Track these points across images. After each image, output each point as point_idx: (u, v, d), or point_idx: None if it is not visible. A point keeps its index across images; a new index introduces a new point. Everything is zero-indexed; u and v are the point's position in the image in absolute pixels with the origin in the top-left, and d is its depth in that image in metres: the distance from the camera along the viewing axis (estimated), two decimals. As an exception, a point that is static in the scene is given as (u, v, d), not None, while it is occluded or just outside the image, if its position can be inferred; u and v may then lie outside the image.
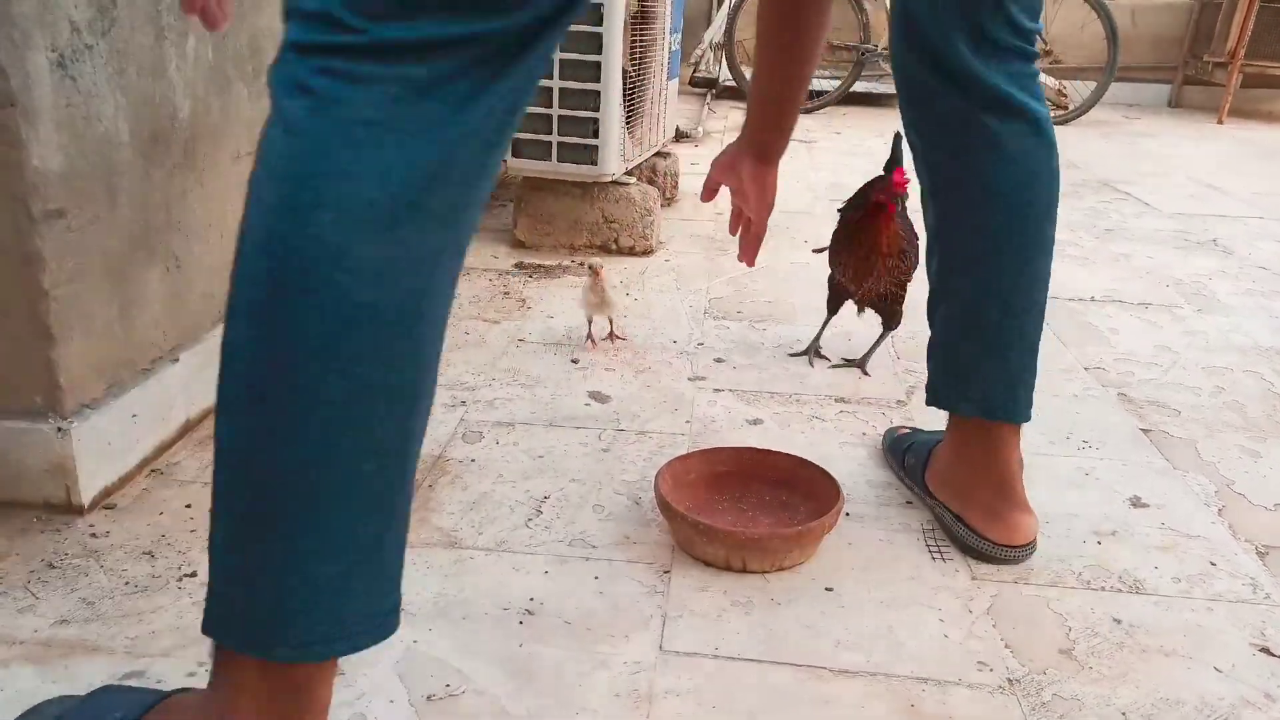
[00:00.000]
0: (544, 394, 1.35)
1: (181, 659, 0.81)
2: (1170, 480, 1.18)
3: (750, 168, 1.07)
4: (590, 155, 1.93)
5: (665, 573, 0.96)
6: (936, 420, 1.19)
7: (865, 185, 1.43)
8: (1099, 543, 1.04)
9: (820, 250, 1.54)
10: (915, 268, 1.41)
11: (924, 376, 1.44)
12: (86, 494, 1.00)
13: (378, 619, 0.61)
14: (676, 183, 2.55)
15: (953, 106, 0.91)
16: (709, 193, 1.13)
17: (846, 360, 1.51)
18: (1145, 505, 1.12)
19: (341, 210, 0.53)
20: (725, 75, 4.50)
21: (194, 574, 0.92)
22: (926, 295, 1.05)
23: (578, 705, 0.77)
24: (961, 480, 1.02)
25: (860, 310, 1.52)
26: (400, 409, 0.57)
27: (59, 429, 0.97)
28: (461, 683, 0.79)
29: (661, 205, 2.40)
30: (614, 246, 2.05)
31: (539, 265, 1.94)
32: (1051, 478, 1.17)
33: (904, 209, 1.42)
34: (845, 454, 1.22)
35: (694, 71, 4.66)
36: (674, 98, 2.55)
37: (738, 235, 1.13)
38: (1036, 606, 0.92)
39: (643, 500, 1.08)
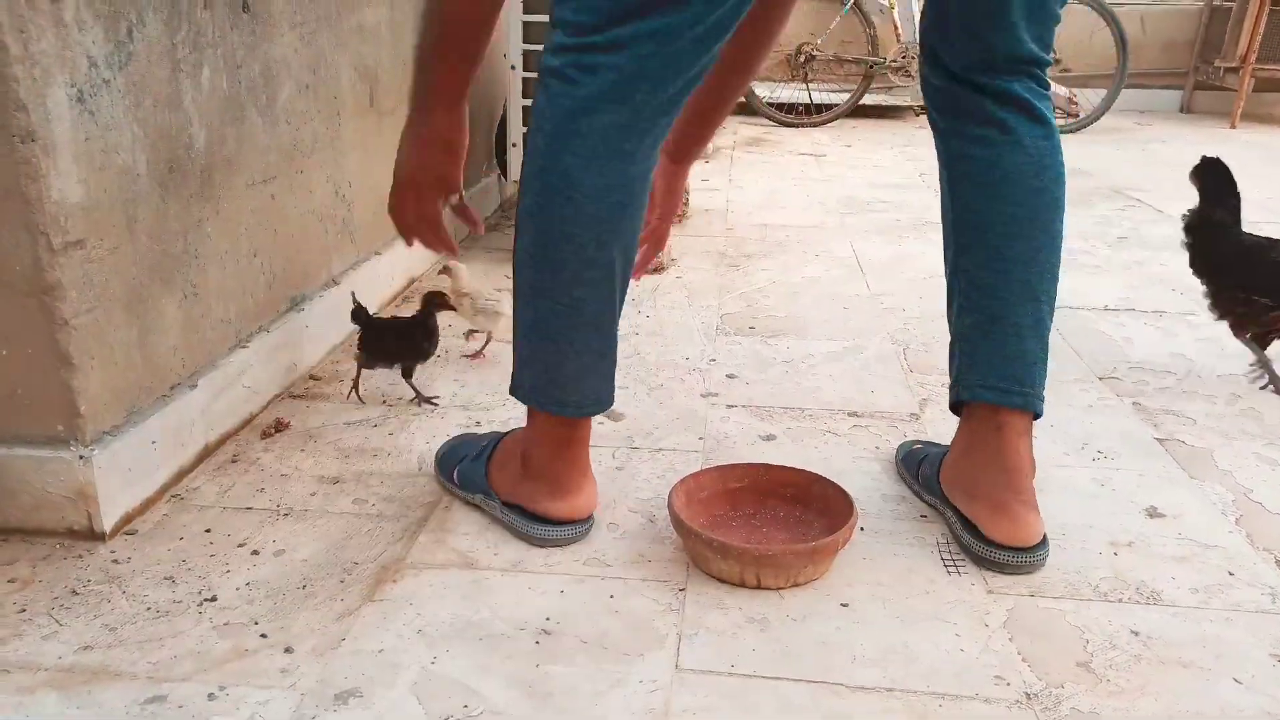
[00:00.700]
0: (557, 413, 1.35)
1: (203, 682, 0.81)
2: (1187, 490, 1.17)
3: (663, 164, 1.15)
4: (600, 174, 1.94)
5: (680, 590, 0.96)
6: (949, 433, 1.20)
7: None
8: (1115, 554, 1.03)
9: None
10: None
11: (936, 390, 1.45)
12: (108, 520, 1.02)
13: (605, 400, 1.01)
14: (687, 199, 2.56)
15: (976, 103, 0.99)
16: None
17: None
18: (1162, 515, 1.11)
19: (577, 155, 0.89)
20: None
21: (214, 599, 0.93)
22: (945, 293, 1.08)
23: (594, 724, 0.78)
24: (971, 476, 1.03)
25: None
26: (604, 271, 0.93)
27: (80, 456, 0.99)
28: (479, 703, 0.80)
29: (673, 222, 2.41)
30: (625, 264, 2.06)
31: (551, 284, 1.95)
32: (1067, 489, 1.17)
33: None
34: (859, 468, 1.22)
35: (703, 88, 4.67)
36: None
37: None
38: (1053, 619, 0.92)
39: (657, 518, 1.09)
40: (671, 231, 2.19)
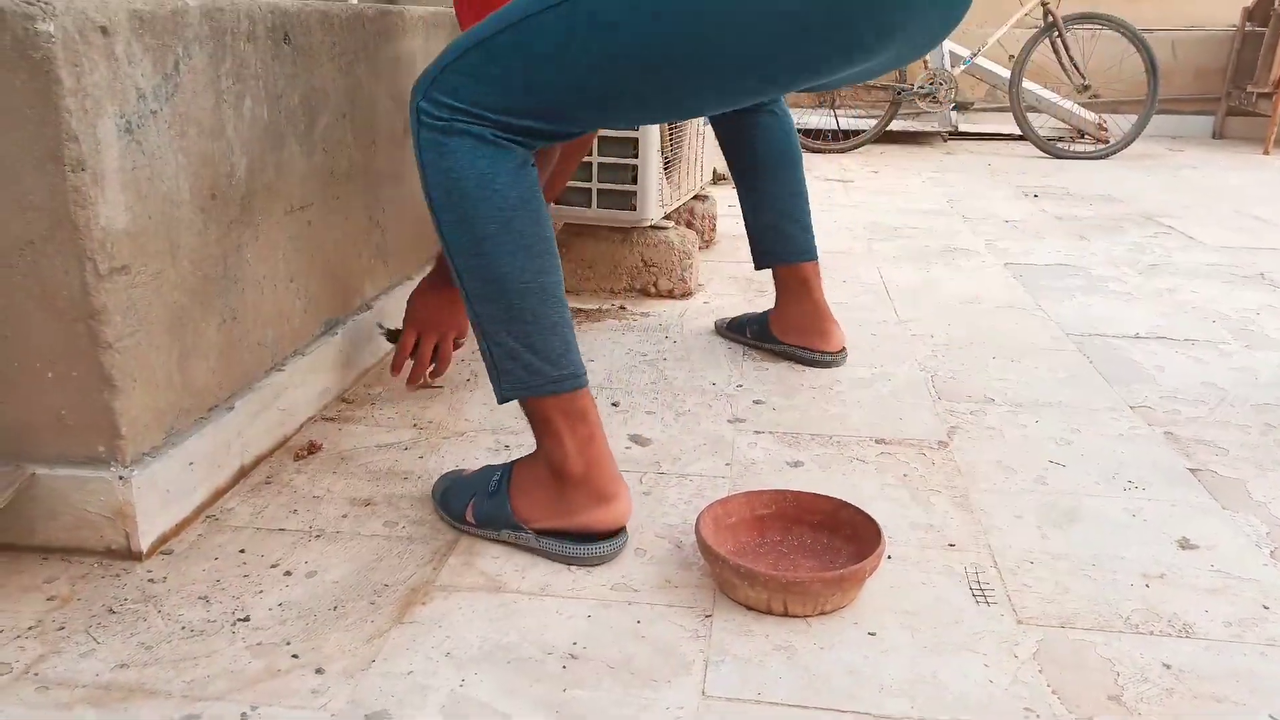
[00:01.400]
0: (585, 437, 1.37)
1: (236, 702, 0.83)
2: (1220, 521, 1.16)
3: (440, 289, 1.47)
4: (629, 201, 1.97)
5: (707, 616, 0.96)
6: (979, 461, 1.20)
7: None
8: (1147, 585, 1.02)
9: None
10: None
11: (965, 417, 1.45)
12: (145, 540, 1.04)
13: (582, 375, 1.04)
14: (714, 225, 2.57)
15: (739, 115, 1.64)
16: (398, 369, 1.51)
17: None
18: (1195, 547, 1.10)
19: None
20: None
21: (247, 618, 0.94)
22: (746, 223, 1.68)
23: (621, 750, 0.78)
24: (794, 319, 1.68)
25: None
26: (521, 252, 0.99)
27: (120, 477, 1.01)
28: (506, 727, 0.80)
29: (700, 248, 2.43)
30: (653, 290, 2.08)
31: (579, 309, 1.97)
32: (1098, 519, 1.16)
33: None
34: (886, 495, 1.22)
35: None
36: (710, 142, 2.59)
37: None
38: (1084, 651, 0.91)
39: (684, 543, 1.09)
40: (699, 256, 2.23)
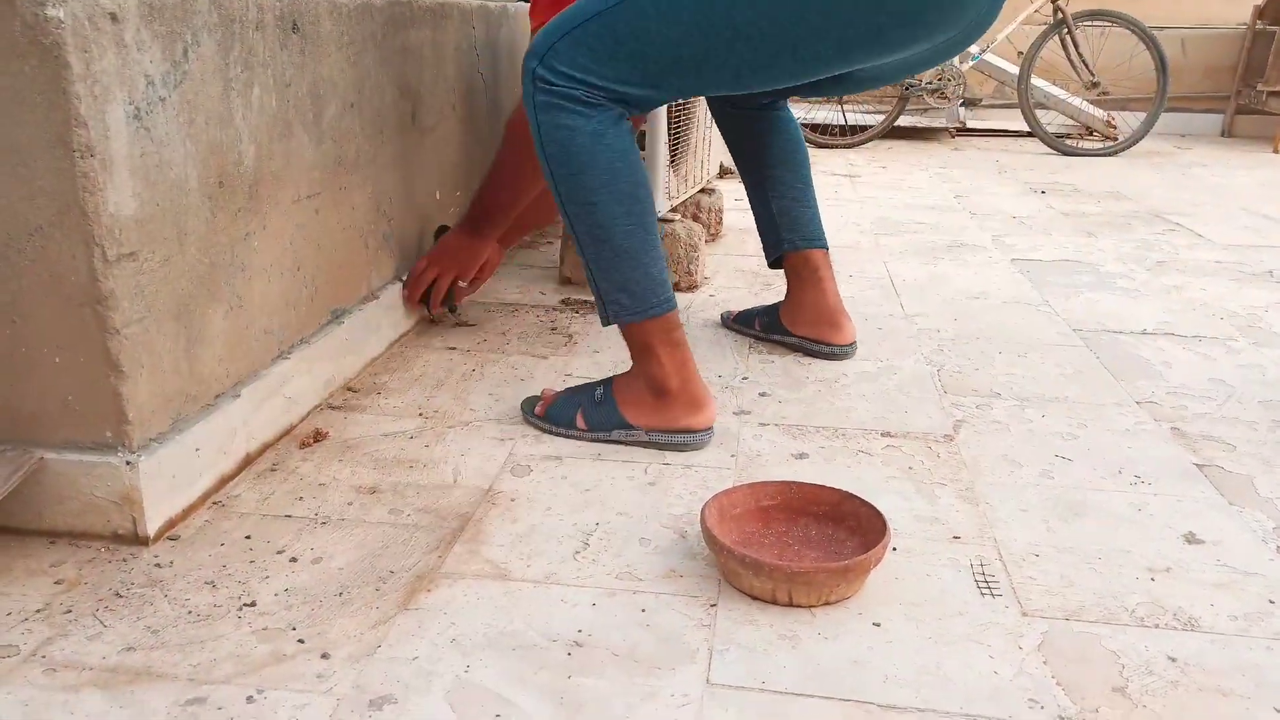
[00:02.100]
0: (591, 428, 1.37)
1: (242, 685, 0.83)
2: (1226, 516, 1.15)
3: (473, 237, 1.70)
4: (636, 193, 1.96)
5: (712, 606, 0.96)
6: (984, 455, 1.19)
7: None
8: (1153, 579, 1.02)
9: None
10: None
11: (971, 411, 1.44)
12: (152, 525, 1.04)
13: (673, 298, 1.25)
14: (721, 218, 2.57)
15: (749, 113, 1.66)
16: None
17: None
18: (1200, 541, 1.10)
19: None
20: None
21: (253, 603, 0.95)
22: (756, 216, 1.70)
23: (625, 737, 0.78)
24: (805, 310, 1.66)
25: None
26: (627, 198, 1.18)
27: (127, 462, 1.02)
28: (511, 713, 0.81)
29: (706, 241, 2.43)
30: (659, 282, 2.07)
31: (585, 301, 1.97)
32: (1104, 513, 1.16)
33: None
34: (891, 488, 1.21)
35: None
36: (717, 135, 2.59)
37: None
38: (1088, 644, 0.91)
39: (689, 534, 1.09)
40: (706, 250, 2.23)
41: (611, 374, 1.46)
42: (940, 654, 0.89)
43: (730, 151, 1.71)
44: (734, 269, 2.26)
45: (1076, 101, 4.40)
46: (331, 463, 1.24)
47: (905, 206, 3.05)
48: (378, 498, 1.16)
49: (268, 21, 1.23)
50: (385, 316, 1.63)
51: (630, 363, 1.31)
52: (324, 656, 0.87)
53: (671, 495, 1.18)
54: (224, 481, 1.17)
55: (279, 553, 1.04)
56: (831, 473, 1.26)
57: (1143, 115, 4.19)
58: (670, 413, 1.27)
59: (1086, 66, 4.13)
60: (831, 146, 4.27)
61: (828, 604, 0.96)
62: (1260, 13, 4.74)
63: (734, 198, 3.11)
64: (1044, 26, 4.16)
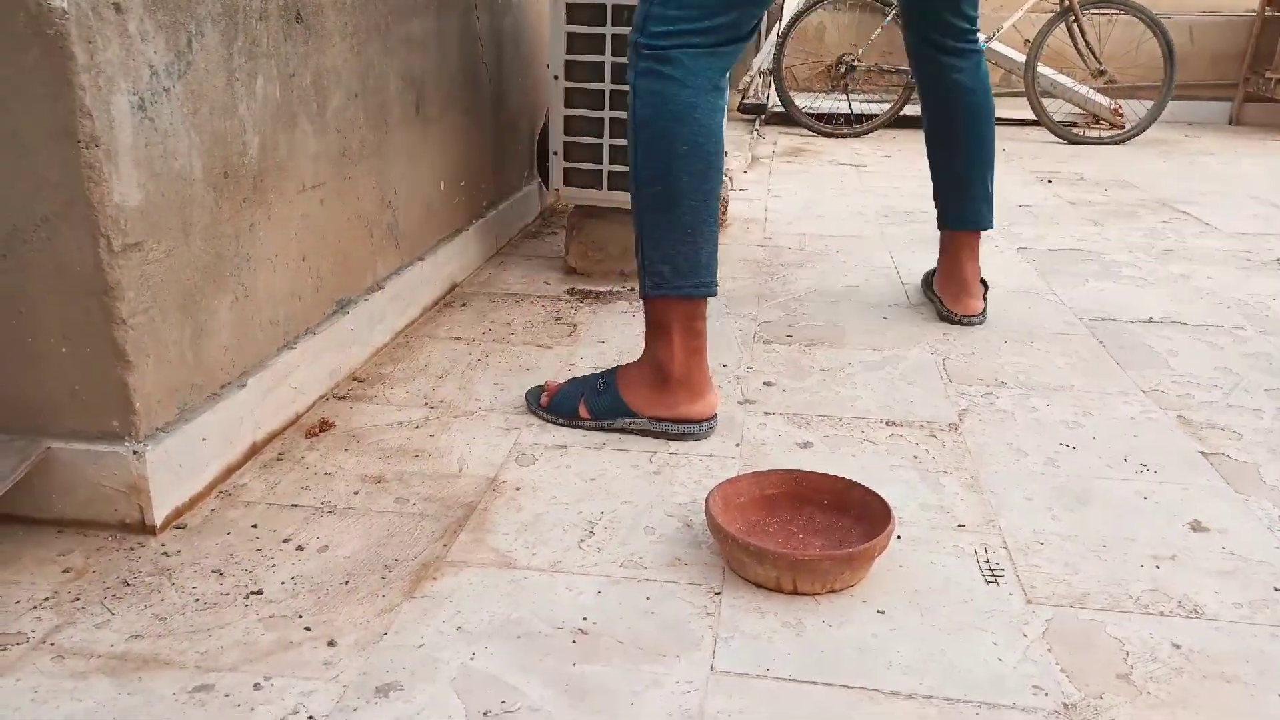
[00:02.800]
0: (596, 418, 1.37)
1: (249, 673, 0.84)
2: (1232, 504, 1.15)
3: None
4: (640, 183, 1.96)
5: (716, 594, 0.96)
6: (990, 444, 1.19)
7: None
8: (1158, 567, 1.02)
9: None
10: None
11: (976, 400, 1.44)
12: (159, 514, 1.05)
13: (713, 285, 1.27)
14: (725, 208, 2.57)
15: (934, 58, 1.71)
16: None
17: None
18: (1206, 529, 1.10)
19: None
20: (774, 101, 4.52)
21: (259, 591, 0.95)
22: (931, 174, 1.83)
23: (630, 723, 0.79)
24: (942, 278, 1.84)
25: None
26: (701, 174, 1.22)
27: (134, 452, 1.02)
28: (517, 699, 0.81)
29: (711, 231, 2.42)
30: (664, 272, 2.07)
31: (590, 291, 1.97)
32: (1109, 501, 1.15)
33: None
34: (896, 477, 1.21)
35: (743, 98, 4.70)
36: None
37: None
38: (1093, 630, 0.91)
39: (694, 522, 1.10)
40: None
41: (616, 364, 1.46)
42: (944, 642, 0.90)
43: (921, 106, 1.79)
44: (739, 259, 2.26)
45: (1083, 90, 4.37)
46: (337, 452, 1.25)
47: (911, 196, 3.04)
48: (384, 487, 1.16)
49: (271, 11, 1.23)
50: (390, 307, 1.63)
51: (636, 355, 1.31)
52: (330, 644, 0.88)
53: (676, 484, 1.19)
54: (230, 471, 1.18)
55: (285, 541, 1.04)
56: (836, 461, 1.26)
57: (1150, 103, 4.17)
58: (671, 399, 1.29)
59: (1093, 54, 4.11)
60: (838, 136, 4.26)
61: (833, 592, 0.97)
62: (1268, 0, 4.71)
63: (739, 186, 3.10)
64: (1051, 14, 4.14)
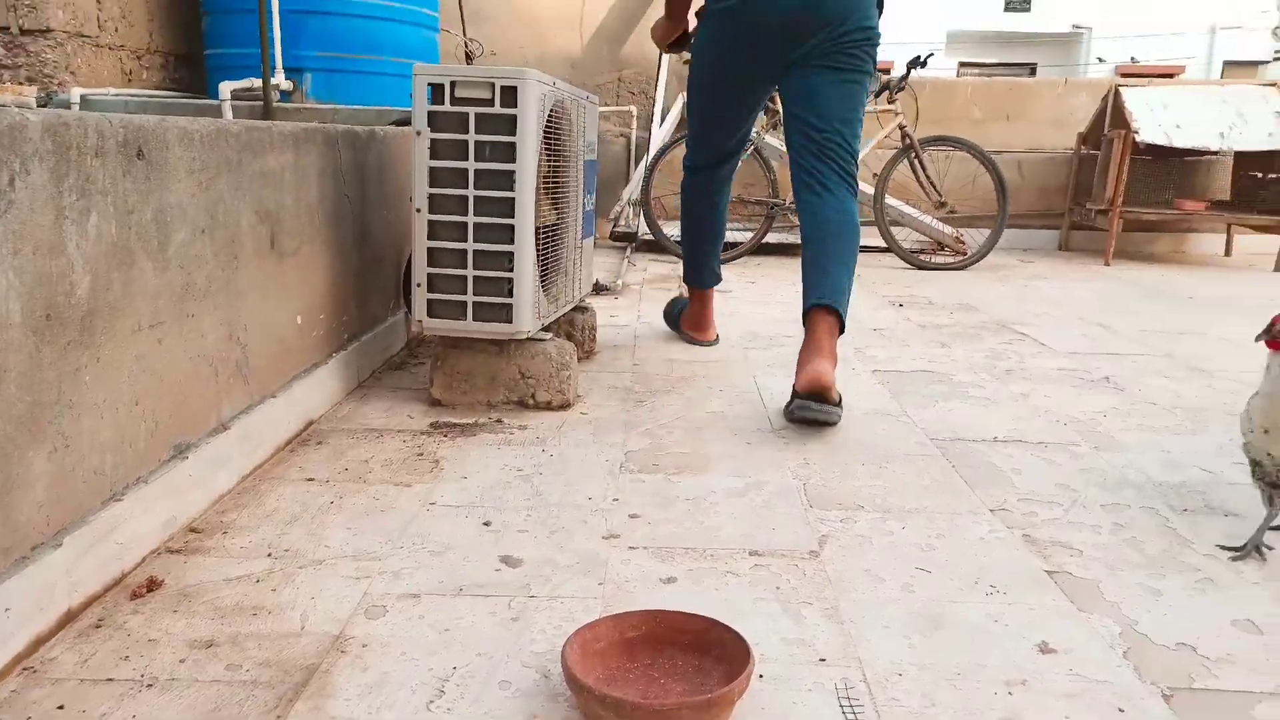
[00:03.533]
0: (453, 560, 1.32)
1: None
2: (1076, 624, 1.19)
3: None
4: (505, 314, 1.96)
5: (573, 752, 0.92)
6: (851, 571, 1.20)
7: None
8: (1010, 693, 1.03)
9: None
10: None
11: (836, 526, 1.47)
12: (-53, 697, 0.93)
13: (717, 279, 2.69)
14: (594, 335, 2.60)
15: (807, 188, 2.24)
16: None
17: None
18: (1053, 651, 1.12)
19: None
20: (644, 229, 4.67)
21: (60, 784, 0.85)
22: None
23: None
24: (801, 352, 2.04)
25: None
26: (690, 222, 2.64)
27: (-80, 627, 0.91)
28: None
29: (579, 359, 2.44)
30: (531, 401, 2.06)
31: (455, 424, 1.93)
32: (962, 626, 1.17)
33: None
34: (758, 609, 1.21)
35: (614, 226, 4.84)
36: (590, 254, 2.63)
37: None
38: (951, 767, 0.91)
39: (552, 673, 1.05)
40: (579, 368, 2.24)
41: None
42: (806, 789, 0.87)
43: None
44: (608, 386, 2.27)
45: (928, 219, 4.71)
46: (165, 614, 1.15)
47: (774, 320, 3.15)
48: (214, 652, 1.07)
49: (109, 148, 1.20)
50: (237, 448, 1.55)
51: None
52: (138, 843, 0.78)
53: (535, 630, 1.14)
54: (39, 643, 1.06)
55: (96, 721, 0.94)
56: (700, 596, 1.24)
57: (988, 231, 4.52)
58: (696, 328, 2.76)
59: (934, 187, 4.44)
60: (704, 261, 4.44)
61: (693, 742, 0.93)
62: (1083, 139, 5.23)
63: (609, 314, 3.15)
64: (895, 150, 4.48)
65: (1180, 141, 4.60)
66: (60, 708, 0.96)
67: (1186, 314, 3.47)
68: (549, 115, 1.99)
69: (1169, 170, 5.18)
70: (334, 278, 2.01)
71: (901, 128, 4.40)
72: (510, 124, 1.88)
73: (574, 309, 2.50)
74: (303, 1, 3.45)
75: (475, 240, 1.93)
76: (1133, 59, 17.97)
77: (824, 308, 2.00)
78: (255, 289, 1.62)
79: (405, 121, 2.83)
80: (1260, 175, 4.90)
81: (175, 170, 1.35)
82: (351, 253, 2.11)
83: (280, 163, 1.71)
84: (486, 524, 1.44)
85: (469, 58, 5.13)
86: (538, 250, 2.00)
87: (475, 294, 1.96)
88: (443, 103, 1.88)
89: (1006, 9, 19.50)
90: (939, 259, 4.59)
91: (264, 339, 1.67)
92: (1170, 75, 6.27)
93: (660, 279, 4.01)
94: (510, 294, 1.95)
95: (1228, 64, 18.68)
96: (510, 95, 1.86)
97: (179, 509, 1.37)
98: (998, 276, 4.28)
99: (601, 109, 5.32)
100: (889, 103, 4.45)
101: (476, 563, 1.31)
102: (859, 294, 3.70)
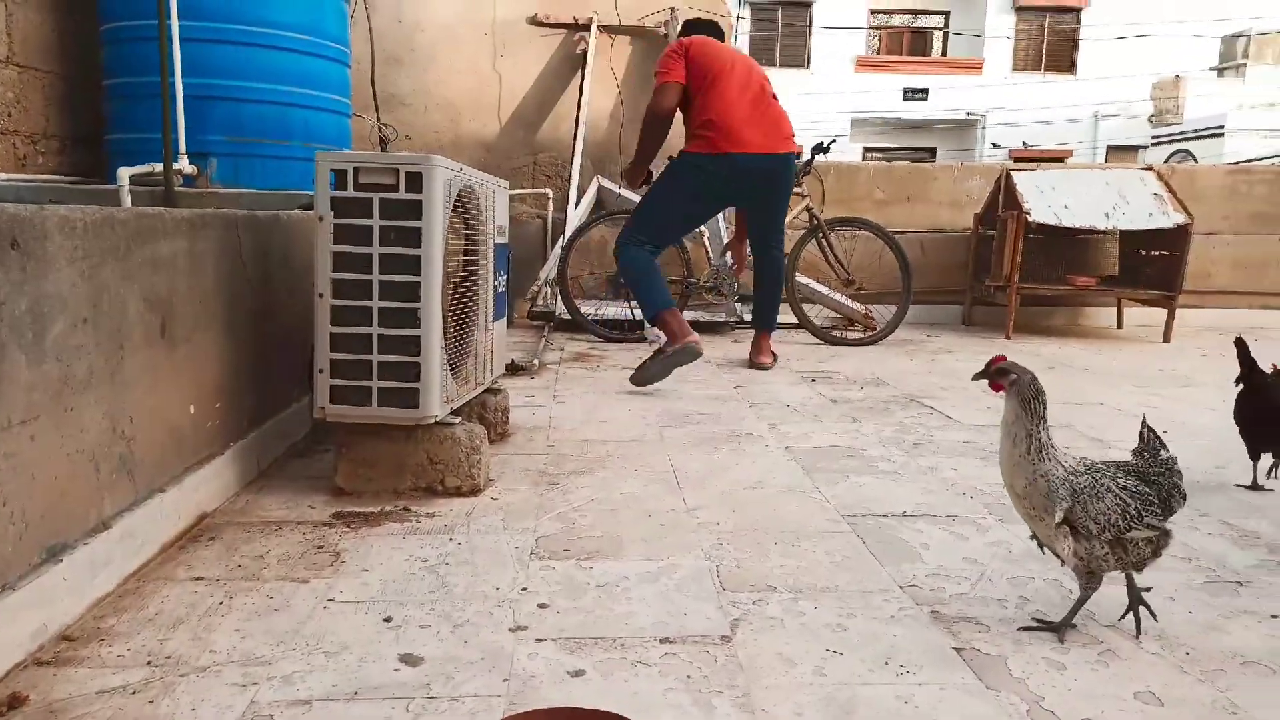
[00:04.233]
0: (350, 661, 1.25)
1: None
2: (984, 702, 1.19)
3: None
4: (412, 398, 1.92)
5: None
6: (761, 655, 1.18)
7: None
8: (921, 779, 1.02)
9: None
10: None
11: (748, 608, 1.45)
12: None
13: (671, 302, 3.50)
14: (508, 417, 2.56)
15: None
16: None
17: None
18: (963, 732, 1.12)
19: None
20: (561, 309, 4.68)
21: None
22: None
23: None
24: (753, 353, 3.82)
25: None
26: (652, 277, 3.51)
27: None
28: None
29: (492, 441, 2.40)
30: (440, 487, 2.01)
31: (359, 513, 1.86)
32: (873, 711, 1.16)
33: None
34: (668, 701, 1.17)
35: (531, 305, 4.84)
36: (502, 336, 2.62)
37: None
38: None
39: (449, 780, 1.00)
40: (490, 451, 2.21)
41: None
42: None
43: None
44: (520, 469, 2.23)
45: (838, 296, 4.84)
46: (26, 735, 1.06)
47: (690, 398, 3.17)
48: (78, 775, 0.99)
49: (-19, 238, 1.14)
50: (119, 548, 1.46)
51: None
52: None
53: (434, 735, 1.08)
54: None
55: None
56: (608, 690, 1.20)
57: (895, 308, 4.66)
58: (676, 338, 3.26)
59: (842, 265, 4.58)
60: (622, 341, 4.44)
61: None
62: (979, 220, 5.49)
63: (524, 395, 3.13)
64: (804, 230, 4.62)
65: (1069, 221, 4.86)
66: None
67: (1084, 385, 3.61)
68: (456, 200, 1.99)
69: (1061, 248, 5.45)
70: (232, 364, 1.94)
71: (809, 209, 4.55)
72: (416, 209, 1.87)
73: (486, 390, 2.47)
74: (209, 88, 3.42)
75: (381, 325, 1.90)
76: (1024, 144, 19.10)
77: (769, 330, 3.84)
78: (144, 379, 1.56)
79: (312, 206, 2.80)
80: (1144, 252, 5.20)
81: (54, 260, 1.29)
82: (252, 338, 2.05)
83: (173, 249, 1.66)
84: (387, 620, 1.38)
85: (383, 142, 5.14)
86: (446, 334, 1.97)
87: (381, 379, 1.91)
88: (346, 188, 1.87)
89: (905, 98, 20.59)
90: (850, 334, 4.71)
91: (152, 430, 1.59)
92: (1060, 159, 6.67)
93: (578, 357, 4.01)
94: (417, 378, 1.92)
95: (1111, 148, 20.01)
96: (415, 181, 1.86)
97: (50, 616, 1.28)
98: (905, 351, 4.40)
99: (518, 191, 5.37)
100: (796, 186, 4.61)
101: (374, 663, 1.25)
102: (774, 370, 3.76)
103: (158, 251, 1.60)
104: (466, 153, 5.40)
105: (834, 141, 4.80)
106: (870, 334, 4.67)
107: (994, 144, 19.84)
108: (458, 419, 2.07)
